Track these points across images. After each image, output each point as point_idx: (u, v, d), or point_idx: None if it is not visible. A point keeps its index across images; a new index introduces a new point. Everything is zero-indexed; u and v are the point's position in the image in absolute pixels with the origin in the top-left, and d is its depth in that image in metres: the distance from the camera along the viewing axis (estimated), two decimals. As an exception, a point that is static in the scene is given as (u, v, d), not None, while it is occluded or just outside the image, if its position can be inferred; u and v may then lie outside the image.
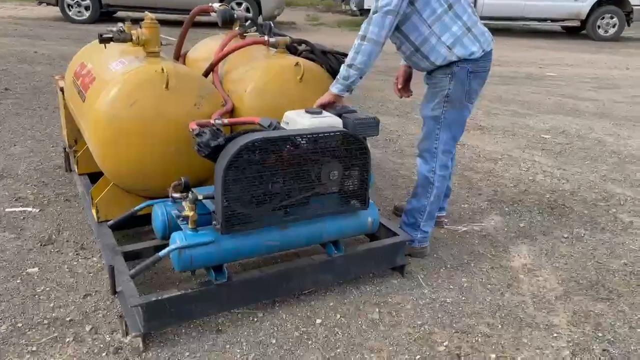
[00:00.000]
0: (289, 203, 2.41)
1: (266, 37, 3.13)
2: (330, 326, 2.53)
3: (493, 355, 2.39)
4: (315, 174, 2.43)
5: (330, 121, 2.55)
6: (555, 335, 2.54)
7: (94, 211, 2.98)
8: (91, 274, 2.86)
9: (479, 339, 2.48)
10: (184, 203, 2.36)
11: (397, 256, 2.90)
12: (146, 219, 2.74)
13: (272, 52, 3.23)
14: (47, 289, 2.71)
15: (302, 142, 2.35)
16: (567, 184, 4.37)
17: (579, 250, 3.30)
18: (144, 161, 2.71)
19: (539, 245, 3.36)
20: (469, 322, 2.60)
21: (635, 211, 3.88)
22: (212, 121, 2.64)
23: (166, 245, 2.37)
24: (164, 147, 2.72)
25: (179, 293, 2.34)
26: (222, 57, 3.11)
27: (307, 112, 2.58)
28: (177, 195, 2.51)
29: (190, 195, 2.35)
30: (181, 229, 2.43)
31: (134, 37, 2.77)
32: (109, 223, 2.76)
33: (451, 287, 2.89)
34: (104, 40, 2.75)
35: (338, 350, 2.38)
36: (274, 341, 2.42)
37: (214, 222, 2.35)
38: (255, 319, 2.56)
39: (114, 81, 2.69)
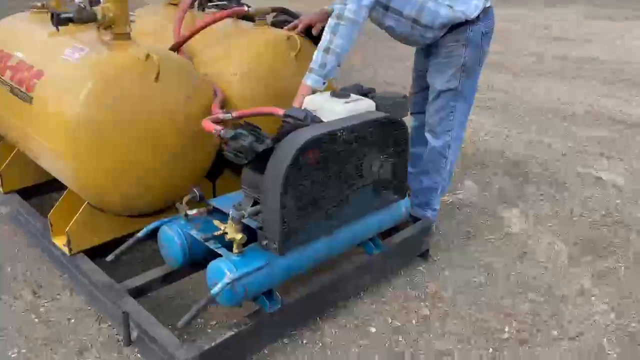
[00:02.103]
0: (339, 205, 2.07)
1: (245, 7, 2.65)
2: (388, 333, 2.28)
3: (555, 332, 2.33)
4: (365, 167, 2.10)
5: (365, 105, 2.21)
6: (593, 298, 2.55)
7: (59, 242, 2.35)
8: (73, 321, 2.27)
9: (530, 318, 2.41)
10: (228, 223, 1.90)
11: (424, 242, 2.70)
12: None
13: (242, 25, 2.76)
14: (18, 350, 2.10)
15: (355, 134, 2.01)
16: (514, 144, 4.43)
17: (560, 209, 3.36)
18: (132, 172, 2.17)
19: (523, 209, 3.36)
20: (510, 302, 2.51)
21: (584, 164, 4.07)
22: (220, 116, 2.16)
23: (176, 272, 2.07)
24: (155, 153, 2.20)
25: (233, 333, 1.91)
26: (195, 32, 2.57)
27: (334, 96, 2.21)
28: (193, 212, 2.05)
29: (234, 212, 1.90)
30: (201, 252, 2.05)
31: (99, 15, 2.13)
32: (108, 258, 2.17)
33: (472, 264, 2.77)
34: (62, 22, 2.08)
35: (411, 360, 2.15)
36: (340, 364, 2.12)
37: (264, 242, 1.93)
38: (304, 341, 2.22)
39: (82, 75, 2.07)
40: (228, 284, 1.83)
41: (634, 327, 2.37)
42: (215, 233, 2.03)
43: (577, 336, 2.31)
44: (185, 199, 2.10)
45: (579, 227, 3.17)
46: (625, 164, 4.04)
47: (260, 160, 1.90)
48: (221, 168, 2.69)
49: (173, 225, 2.10)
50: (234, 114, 2.22)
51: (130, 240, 2.14)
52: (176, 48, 2.57)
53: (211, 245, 2.01)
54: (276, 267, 1.97)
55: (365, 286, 2.49)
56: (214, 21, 2.56)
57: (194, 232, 2.08)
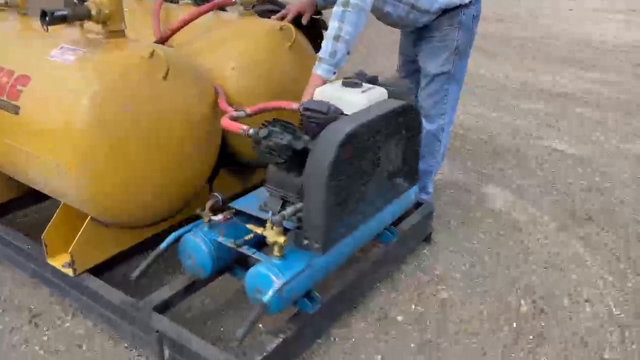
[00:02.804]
0: (369, 197, 2.03)
1: (232, -3, 2.50)
2: (415, 321, 2.29)
3: (566, 300, 2.44)
4: (387, 156, 2.08)
5: (379, 93, 2.17)
6: (587, 262, 2.69)
7: (56, 263, 2.15)
8: (84, 347, 2.09)
9: (541, 289, 2.50)
10: (268, 226, 1.81)
11: (428, 226, 2.73)
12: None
13: (226, 16, 2.62)
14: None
15: (383, 123, 1.97)
16: (466, 121, 4.56)
17: (537, 186, 3.50)
18: (147, 179, 2.02)
19: (504, 187, 3.47)
20: (519, 276, 2.59)
21: (537, 137, 4.28)
22: (234, 114, 2.05)
23: (196, 282, 2.02)
24: (169, 156, 2.06)
25: (280, 339, 1.83)
26: (182, 26, 2.40)
27: (346, 85, 2.15)
28: (219, 217, 1.94)
29: (273, 215, 1.80)
30: (228, 258, 2.01)
31: (93, 12, 1.93)
32: (133, 276, 1.99)
33: (476, 245, 2.83)
34: (56, 21, 1.86)
35: (445, 344, 2.17)
36: (379, 357, 2.10)
37: (304, 242, 1.86)
38: (335, 339, 2.17)
39: (83, 77, 1.88)
40: (278, 290, 1.75)
41: (632, 285, 2.53)
42: (247, 237, 1.93)
43: (587, 300, 2.43)
44: (208, 204, 1.98)
45: (556, 197, 3.33)
46: (573, 133, 4.29)
47: (291, 158, 1.83)
48: (217, 168, 2.56)
49: (198, 233, 1.97)
50: (248, 110, 2.11)
51: (153, 254, 1.99)
52: (161, 43, 2.40)
53: (245, 250, 1.91)
54: (316, 267, 1.91)
55: (382, 276, 2.47)
56: (202, 13, 2.41)
57: (221, 239, 1.96)
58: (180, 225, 2.38)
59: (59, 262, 2.16)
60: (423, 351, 2.13)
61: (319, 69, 2.23)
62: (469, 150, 4.00)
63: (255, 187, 2.77)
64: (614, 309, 2.38)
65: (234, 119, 2.03)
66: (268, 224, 1.82)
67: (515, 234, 2.94)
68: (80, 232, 2.07)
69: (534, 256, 2.74)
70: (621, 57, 6.62)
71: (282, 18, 2.61)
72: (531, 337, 2.23)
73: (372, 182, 2.02)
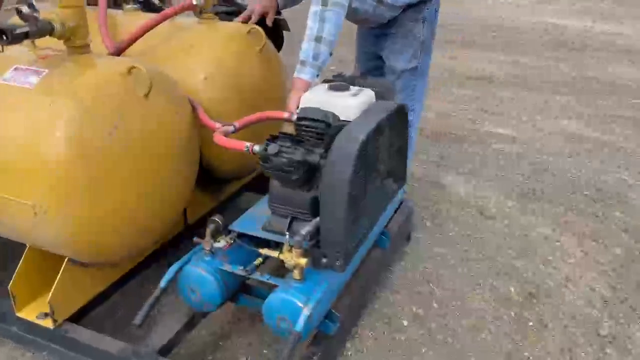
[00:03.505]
0: (374, 203, 1.96)
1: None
2: (420, 322, 2.26)
3: (550, 282, 2.52)
4: (384, 159, 2.01)
5: (369, 96, 2.08)
6: (556, 242, 2.81)
7: (28, 315, 1.88)
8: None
9: (524, 273, 2.57)
10: (285, 248, 1.68)
11: (410, 224, 2.70)
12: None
13: (185, 21, 2.42)
14: None
15: (386, 127, 1.90)
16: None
17: (488, 170, 3.60)
18: (133, 211, 1.81)
19: (457, 172, 3.54)
20: (502, 260, 2.65)
21: (474, 121, 4.42)
22: (222, 128, 1.89)
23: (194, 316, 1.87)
24: (154, 181, 1.86)
25: (310, 368, 1.72)
26: (142, 33, 2.17)
27: (333, 89, 2.04)
28: (221, 244, 1.79)
29: (291, 236, 1.67)
30: (234, 287, 1.87)
31: (57, 26, 1.68)
32: (137, 321, 1.75)
33: (453, 236, 2.86)
34: (17, 39, 1.59)
35: (457, 344, 2.16)
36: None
37: (324, 260, 1.75)
38: (349, 353, 2.09)
39: (53, 102, 1.63)
40: (309, 316, 1.63)
41: (604, 258, 2.66)
42: (256, 263, 1.79)
43: (568, 280, 2.53)
44: (209, 229, 1.80)
45: (513, 181, 3.44)
46: (507, 116, 4.48)
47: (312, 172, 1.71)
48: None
49: (201, 263, 1.79)
50: (237, 124, 1.95)
51: (154, 295, 1.77)
52: (118, 54, 2.16)
53: (258, 277, 1.76)
54: (334, 285, 1.80)
55: (379, 281, 2.41)
56: (165, 18, 2.19)
57: (227, 267, 1.80)
58: (154, 255, 2.19)
59: (31, 313, 1.89)
60: (440, 353, 2.10)
61: (304, 74, 2.10)
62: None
63: (227, 202, 2.65)
64: (595, 285, 2.49)
65: (225, 135, 1.87)
66: (286, 246, 1.68)
67: (485, 221, 3.00)
68: (58, 277, 1.81)
69: (508, 241, 2.81)
70: (534, 39, 6.99)
71: (246, 20, 2.44)
72: (531, 323, 2.27)
73: (372, 189, 1.94)
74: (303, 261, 1.66)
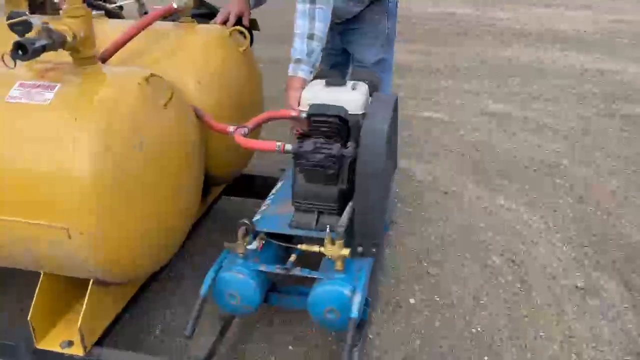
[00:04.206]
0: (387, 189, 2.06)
1: (174, 4, 2.25)
2: (424, 304, 2.40)
3: (523, 247, 2.77)
4: (391, 148, 2.12)
5: (365, 88, 2.17)
6: (516, 211, 3.09)
7: (50, 345, 1.77)
8: None
9: (499, 243, 2.80)
10: (327, 241, 1.72)
11: (392, 209, 2.83)
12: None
13: (163, 25, 2.36)
14: None
15: (393, 117, 2.00)
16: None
17: (438, 154, 3.81)
18: (161, 224, 1.77)
19: (413, 159, 3.72)
20: (477, 237, 2.86)
21: (411, 108, 4.65)
22: (240, 130, 1.90)
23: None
24: (176, 192, 1.83)
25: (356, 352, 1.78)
26: (128, 39, 2.09)
27: (331, 85, 2.10)
28: (255, 245, 1.81)
29: (332, 227, 1.73)
30: (268, 286, 1.89)
31: (69, 38, 1.59)
32: (187, 333, 1.69)
33: (428, 218, 3.02)
34: (36, 53, 1.48)
35: (467, 316, 2.32)
36: (418, 342, 2.17)
37: (359, 249, 1.82)
38: (369, 337, 2.18)
39: (74, 118, 1.55)
40: (360, 304, 1.69)
41: (561, 221, 2.97)
42: (292, 259, 1.82)
43: (537, 243, 2.79)
44: (241, 232, 1.80)
45: (465, 162, 3.68)
46: (435, 102, 4.76)
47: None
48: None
49: (238, 267, 1.79)
50: (250, 125, 1.95)
51: (197, 305, 1.74)
52: (103, 61, 2.06)
53: (298, 272, 1.80)
54: (368, 272, 1.88)
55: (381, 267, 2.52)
56: (149, 23, 2.12)
57: (263, 267, 1.81)
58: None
59: (53, 343, 1.78)
60: (453, 326, 2.25)
61: (300, 71, 2.13)
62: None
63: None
64: (563, 247, 2.77)
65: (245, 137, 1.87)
66: (327, 240, 1.73)
67: (450, 200, 3.20)
68: (86, 302, 1.72)
69: (476, 218, 3.02)
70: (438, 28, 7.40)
71: (225, 22, 2.42)
72: (519, 285, 2.50)
73: (388, 176, 2.04)
74: (346, 252, 1.72)
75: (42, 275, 1.76)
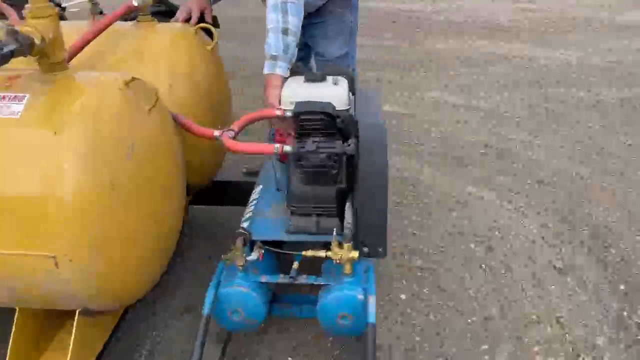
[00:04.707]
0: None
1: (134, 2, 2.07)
2: (418, 298, 2.37)
3: (496, 233, 2.81)
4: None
5: (346, 83, 2.10)
6: (485, 198, 3.14)
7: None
8: None
9: (471, 227, 2.84)
10: (334, 244, 1.63)
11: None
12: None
13: (122, 25, 2.17)
14: None
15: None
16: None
17: (397, 143, 3.83)
18: (149, 240, 1.62)
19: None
20: (454, 220, 2.88)
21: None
22: (228, 134, 1.77)
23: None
24: (165, 205, 1.68)
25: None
26: (85, 43, 1.91)
27: (311, 81, 2.02)
28: (255, 256, 1.71)
29: (340, 231, 1.65)
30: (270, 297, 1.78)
31: (37, 42, 1.40)
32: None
33: (402, 207, 3.01)
34: (4, 60, 1.29)
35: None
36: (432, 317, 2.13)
37: (365, 249, 1.74)
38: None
39: (54, 130, 1.37)
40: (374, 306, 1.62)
41: (528, 202, 3.05)
42: (295, 267, 1.73)
43: (501, 226, 2.84)
44: (239, 243, 1.67)
45: (420, 149, 3.70)
46: (389, 95, 4.78)
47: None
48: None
49: (239, 281, 1.67)
50: (235, 128, 1.83)
51: (202, 326, 1.59)
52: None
53: (304, 280, 1.70)
54: (374, 273, 1.81)
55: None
56: (110, 23, 1.95)
57: (264, 279, 1.70)
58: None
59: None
60: (448, 319, 2.24)
61: (278, 68, 2.03)
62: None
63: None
64: (532, 229, 2.84)
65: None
66: (334, 243, 1.65)
67: (421, 187, 3.21)
68: (73, 336, 1.54)
69: (449, 204, 3.04)
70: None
71: (187, 20, 2.27)
72: (503, 271, 2.52)
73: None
74: (355, 254, 1.64)
75: (17, 312, 1.56)
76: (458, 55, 5.85)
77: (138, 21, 2.14)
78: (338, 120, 1.80)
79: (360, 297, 1.63)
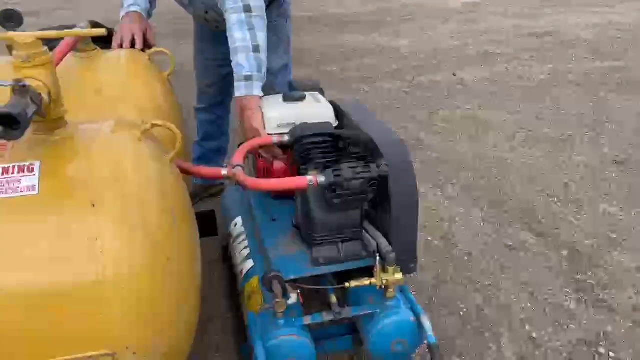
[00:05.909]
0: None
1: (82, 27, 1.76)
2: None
3: (453, 226, 2.95)
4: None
5: (325, 99, 2.03)
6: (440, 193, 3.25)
7: None
8: None
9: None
10: (377, 270, 1.57)
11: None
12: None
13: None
14: None
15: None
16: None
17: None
18: (195, 305, 1.43)
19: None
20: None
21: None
22: (239, 169, 1.61)
23: None
24: (192, 249, 1.48)
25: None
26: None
27: (289, 101, 1.92)
28: (294, 299, 1.61)
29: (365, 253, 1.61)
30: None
31: (44, 96, 1.12)
32: None
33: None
34: (28, 125, 1.00)
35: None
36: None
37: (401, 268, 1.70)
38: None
39: (105, 203, 1.13)
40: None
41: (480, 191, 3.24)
42: (333, 300, 1.64)
43: (456, 218, 3.00)
44: (277, 289, 1.53)
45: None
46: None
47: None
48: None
49: (286, 330, 1.53)
50: (239, 162, 1.66)
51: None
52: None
53: (349, 314, 1.62)
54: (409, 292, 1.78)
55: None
56: (60, 59, 1.64)
57: (307, 320, 1.59)
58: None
59: None
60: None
61: (255, 89, 1.88)
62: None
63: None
64: (473, 213, 3.03)
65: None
66: (378, 268, 1.59)
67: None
68: None
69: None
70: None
71: (133, 44, 2.00)
72: (466, 258, 2.66)
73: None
74: (400, 277, 1.60)
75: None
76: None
77: (78, 50, 1.83)
78: (347, 140, 1.74)
79: (413, 319, 1.60)
